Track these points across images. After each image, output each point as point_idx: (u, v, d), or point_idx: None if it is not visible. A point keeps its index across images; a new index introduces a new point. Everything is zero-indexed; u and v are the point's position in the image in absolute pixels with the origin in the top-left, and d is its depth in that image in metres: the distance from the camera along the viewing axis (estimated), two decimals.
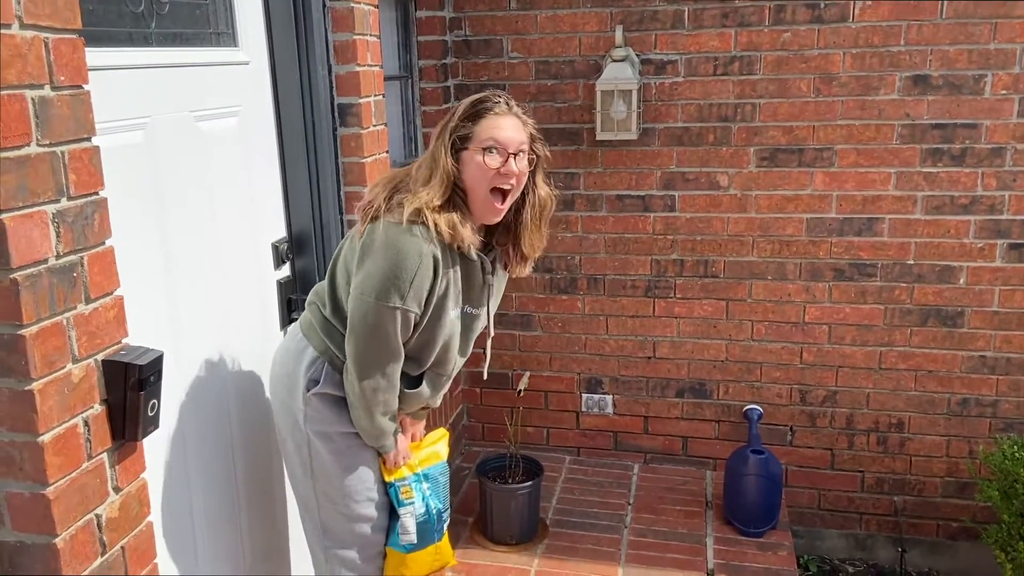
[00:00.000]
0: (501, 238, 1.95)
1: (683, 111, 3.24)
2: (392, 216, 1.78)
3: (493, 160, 1.78)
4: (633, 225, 3.40)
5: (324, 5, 2.38)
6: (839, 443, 3.42)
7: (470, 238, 1.81)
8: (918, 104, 3.04)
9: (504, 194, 1.83)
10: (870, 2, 2.97)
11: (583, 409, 3.64)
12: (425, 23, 3.26)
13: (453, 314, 1.92)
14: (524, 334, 3.62)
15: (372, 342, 1.83)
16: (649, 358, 3.52)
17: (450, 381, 2.12)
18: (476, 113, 1.80)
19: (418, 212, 1.76)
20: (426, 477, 2.13)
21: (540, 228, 1.94)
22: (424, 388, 2.02)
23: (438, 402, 2.19)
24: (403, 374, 1.96)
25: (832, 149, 3.14)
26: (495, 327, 2.12)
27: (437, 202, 1.77)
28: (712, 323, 3.42)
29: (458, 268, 1.88)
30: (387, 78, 2.86)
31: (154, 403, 1.45)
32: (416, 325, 1.86)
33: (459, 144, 1.80)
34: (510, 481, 3.04)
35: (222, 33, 2.11)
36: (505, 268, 2.00)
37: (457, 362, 2.08)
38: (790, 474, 3.47)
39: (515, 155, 1.79)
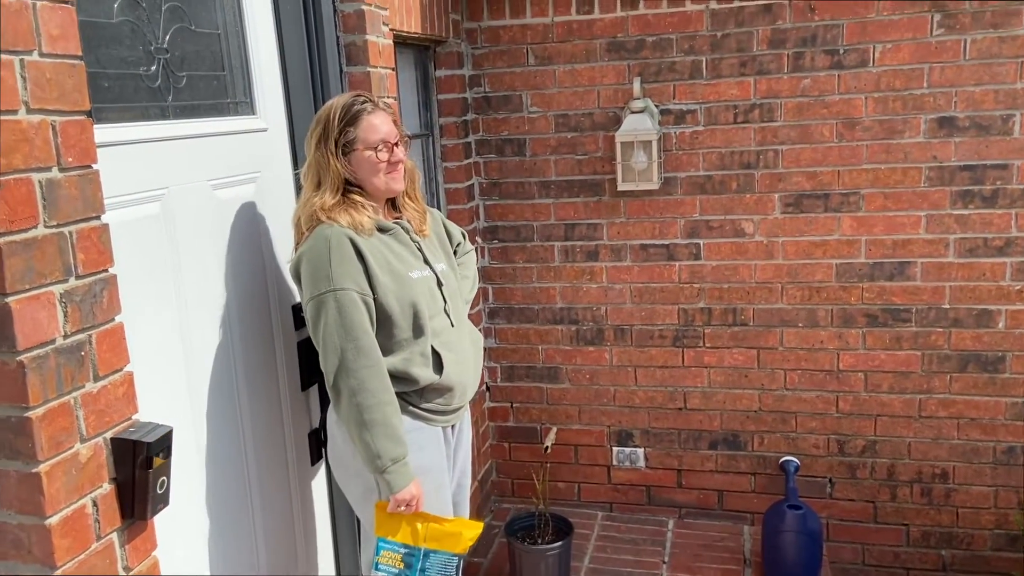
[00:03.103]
0: (396, 211, 2.14)
1: (705, 159, 3.21)
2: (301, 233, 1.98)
3: (383, 155, 1.98)
4: (659, 274, 3.36)
5: (341, 70, 2.41)
6: (881, 495, 3.29)
7: (369, 222, 1.96)
8: (945, 146, 2.97)
9: (397, 171, 2.04)
10: (890, 46, 2.94)
11: (614, 463, 3.57)
12: (445, 82, 3.30)
13: (416, 274, 2.01)
14: (551, 387, 3.57)
15: (324, 336, 1.87)
16: (680, 409, 3.45)
17: (470, 351, 2.14)
18: (353, 117, 1.97)
19: (312, 216, 1.93)
20: (427, 557, 1.94)
21: (416, 193, 2.17)
22: (449, 369, 2.03)
23: (471, 387, 2.16)
24: (416, 362, 1.96)
25: (859, 193, 3.09)
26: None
27: (330, 202, 1.93)
28: (743, 372, 3.35)
29: (385, 238, 2.00)
30: (408, 137, 2.89)
31: (163, 480, 1.43)
32: (376, 301, 1.91)
33: (346, 148, 1.96)
34: (539, 541, 2.97)
35: (240, 102, 2.14)
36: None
37: (457, 327, 2.10)
38: (831, 528, 3.34)
39: (395, 144, 2.01)
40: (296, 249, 1.99)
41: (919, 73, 2.94)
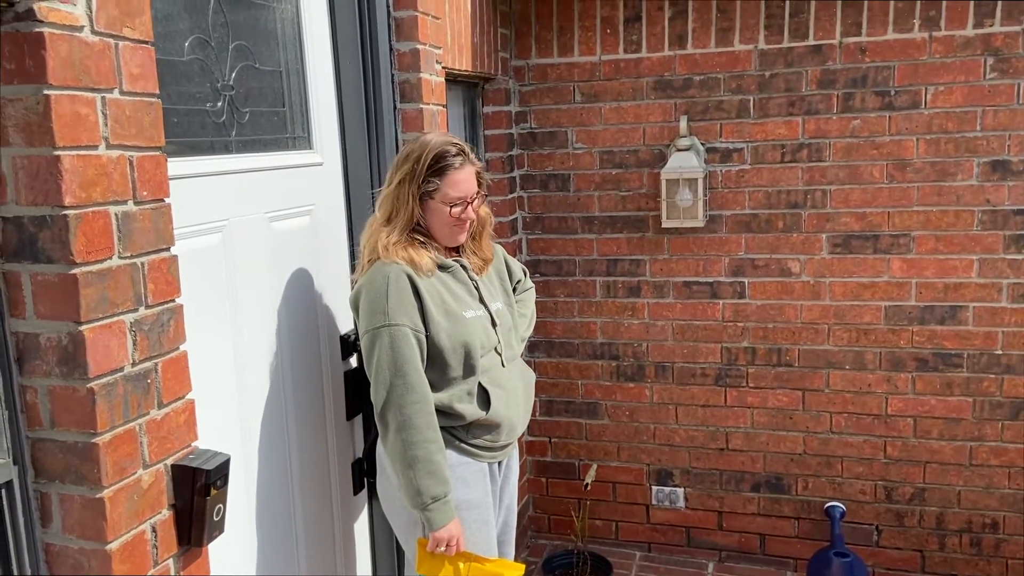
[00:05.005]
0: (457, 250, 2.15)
1: (751, 198, 3.20)
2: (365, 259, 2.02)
3: (456, 211, 2.00)
4: (702, 312, 3.34)
5: (395, 107, 2.46)
6: (929, 544, 3.21)
7: (429, 262, 1.98)
8: (998, 190, 2.94)
9: (463, 227, 2.05)
10: (942, 88, 2.93)
11: (653, 502, 3.52)
12: (492, 118, 3.34)
13: (471, 314, 2.01)
14: (591, 422, 3.55)
15: (375, 370, 1.90)
16: (722, 449, 3.41)
17: (520, 388, 2.15)
18: (442, 168, 1.98)
19: (375, 249, 1.96)
20: None
21: (482, 239, 2.16)
22: (496, 405, 2.02)
23: (520, 425, 2.15)
24: (463, 398, 1.98)
25: (909, 235, 3.05)
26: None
27: (395, 240, 1.96)
28: (788, 414, 3.30)
29: (443, 275, 2.02)
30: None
31: (220, 507, 1.45)
32: (428, 338, 1.93)
33: (424, 196, 1.98)
34: None
35: (298, 137, 2.19)
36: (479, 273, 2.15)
37: (508, 365, 2.10)
38: None
39: (472, 201, 2.02)
40: (357, 271, 2.04)
41: (972, 116, 2.91)
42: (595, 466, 3.37)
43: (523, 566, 2.08)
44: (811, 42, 3.03)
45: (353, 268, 2.40)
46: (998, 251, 2.97)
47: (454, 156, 1.98)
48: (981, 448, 3.10)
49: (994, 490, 3.11)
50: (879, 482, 3.23)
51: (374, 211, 2.07)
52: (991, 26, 2.85)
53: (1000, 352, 3.02)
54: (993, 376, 3.04)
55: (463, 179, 1.99)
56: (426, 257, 1.98)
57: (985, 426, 3.08)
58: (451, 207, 1.99)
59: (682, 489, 3.47)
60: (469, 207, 2.02)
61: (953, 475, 3.14)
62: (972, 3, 2.85)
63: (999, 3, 2.83)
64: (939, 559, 3.21)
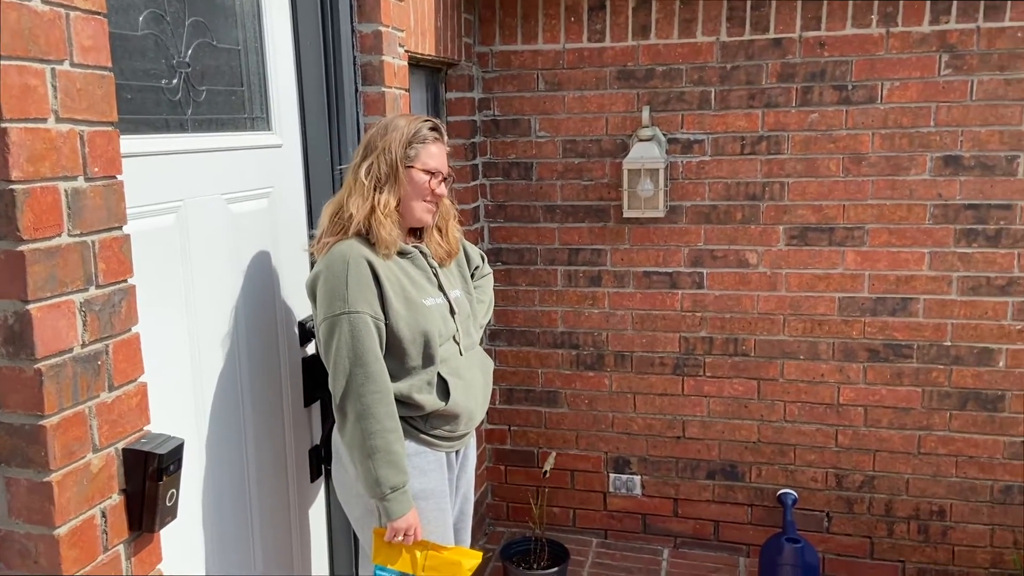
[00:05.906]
0: (417, 238, 2.14)
1: (710, 189, 3.24)
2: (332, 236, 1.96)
3: (435, 182, 2.02)
4: (661, 302, 3.37)
5: (357, 90, 2.43)
6: (878, 531, 3.29)
7: (393, 244, 1.95)
8: (950, 184, 3.01)
9: (435, 204, 2.07)
10: (898, 83, 2.98)
11: (610, 490, 3.55)
12: (455, 104, 3.32)
13: (430, 301, 2.00)
14: (550, 411, 3.57)
15: (335, 358, 1.87)
16: (678, 438, 3.44)
17: (479, 377, 2.14)
18: (424, 137, 2.01)
19: (369, 215, 1.92)
20: None
21: (448, 231, 2.16)
22: (456, 396, 2.01)
23: (478, 414, 2.14)
24: (422, 388, 1.96)
25: (863, 228, 3.11)
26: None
27: (392, 205, 1.96)
28: (743, 403, 3.35)
29: (402, 262, 2.01)
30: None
31: (172, 492, 1.42)
32: (387, 326, 1.90)
33: (406, 162, 1.98)
34: (535, 566, 2.96)
35: (257, 118, 2.15)
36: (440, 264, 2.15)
37: (467, 354, 2.09)
38: (827, 562, 3.33)
39: (444, 178, 2.05)
40: (316, 243, 2.00)
41: (926, 111, 2.98)
42: (554, 454, 3.38)
43: (480, 553, 2.08)
44: (772, 35, 3.07)
45: None
46: (949, 244, 3.04)
47: (431, 130, 2.03)
48: (929, 437, 3.18)
49: (941, 478, 3.20)
50: (830, 470, 3.29)
51: (342, 187, 2.03)
52: (947, 23, 2.91)
53: (949, 343, 3.10)
54: (942, 367, 3.12)
55: (440, 153, 2.04)
56: (394, 237, 1.95)
57: (933, 415, 3.16)
58: (429, 177, 2.00)
59: (639, 477, 3.51)
60: (443, 183, 2.05)
61: (902, 463, 3.22)
62: (928, 1, 2.91)
63: (955, 1, 2.89)
64: (887, 545, 3.29)
